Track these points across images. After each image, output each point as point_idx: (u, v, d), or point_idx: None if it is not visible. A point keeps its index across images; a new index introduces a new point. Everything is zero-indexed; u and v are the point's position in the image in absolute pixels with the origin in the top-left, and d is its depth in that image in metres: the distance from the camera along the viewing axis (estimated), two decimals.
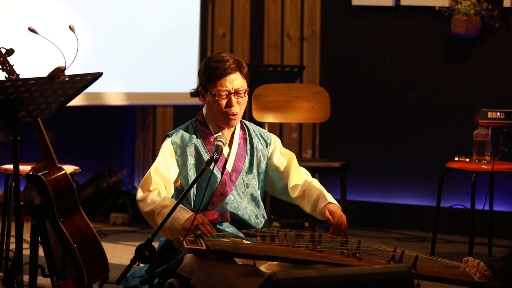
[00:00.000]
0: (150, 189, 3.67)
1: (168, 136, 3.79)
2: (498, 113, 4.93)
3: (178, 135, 3.77)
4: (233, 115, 3.70)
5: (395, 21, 6.16)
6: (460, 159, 5.08)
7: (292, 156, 3.90)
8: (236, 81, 3.68)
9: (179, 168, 3.74)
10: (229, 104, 3.68)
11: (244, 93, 3.71)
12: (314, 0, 6.35)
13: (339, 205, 3.71)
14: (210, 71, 3.67)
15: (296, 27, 6.41)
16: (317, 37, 6.37)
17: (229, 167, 3.77)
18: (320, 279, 2.73)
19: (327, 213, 3.65)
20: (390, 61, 6.21)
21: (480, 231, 5.54)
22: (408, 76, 6.18)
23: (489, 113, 4.94)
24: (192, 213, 3.53)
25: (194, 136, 3.77)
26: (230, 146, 3.80)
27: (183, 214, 3.51)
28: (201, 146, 3.76)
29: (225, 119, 3.72)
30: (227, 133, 3.81)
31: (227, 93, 3.67)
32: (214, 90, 3.67)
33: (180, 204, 3.51)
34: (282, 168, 3.88)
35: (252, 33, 6.52)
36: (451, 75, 6.05)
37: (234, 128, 3.82)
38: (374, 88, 6.27)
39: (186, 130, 3.79)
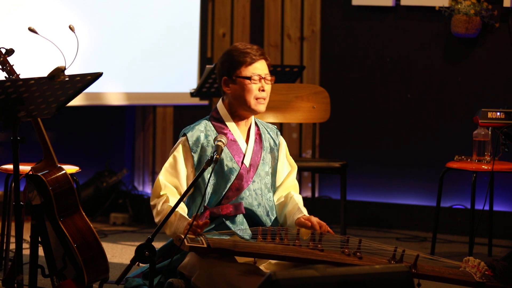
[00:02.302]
0: (161, 194, 3.70)
1: (184, 134, 3.77)
2: (498, 113, 4.93)
3: (195, 132, 3.75)
4: (264, 99, 3.75)
5: (395, 21, 6.16)
6: (460, 159, 5.08)
7: (295, 168, 3.96)
8: (265, 67, 3.77)
9: (195, 164, 3.74)
10: (261, 89, 3.74)
11: (271, 80, 3.79)
12: (314, 0, 6.35)
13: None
14: (241, 57, 3.73)
15: (296, 27, 6.41)
16: (317, 37, 6.37)
17: (246, 162, 3.78)
18: (320, 279, 2.73)
19: (302, 220, 3.68)
20: (390, 61, 6.20)
21: (480, 231, 5.53)
22: (408, 76, 6.18)
23: (489, 113, 4.94)
24: (189, 219, 3.55)
25: (210, 133, 3.76)
26: (247, 141, 3.81)
27: (183, 223, 3.55)
28: None
29: (255, 104, 3.75)
30: (244, 128, 3.82)
31: (259, 76, 3.74)
32: (248, 73, 3.72)
33: (180, 213, 3.58)
34: (281, 175, 3.92)
35: (252, 33, 6.51)
36: (451, 75, 6.05)
37: (250, 123, 3.84)
38: (374, 88, 6.27)
39: (202, 127, 3.78)
